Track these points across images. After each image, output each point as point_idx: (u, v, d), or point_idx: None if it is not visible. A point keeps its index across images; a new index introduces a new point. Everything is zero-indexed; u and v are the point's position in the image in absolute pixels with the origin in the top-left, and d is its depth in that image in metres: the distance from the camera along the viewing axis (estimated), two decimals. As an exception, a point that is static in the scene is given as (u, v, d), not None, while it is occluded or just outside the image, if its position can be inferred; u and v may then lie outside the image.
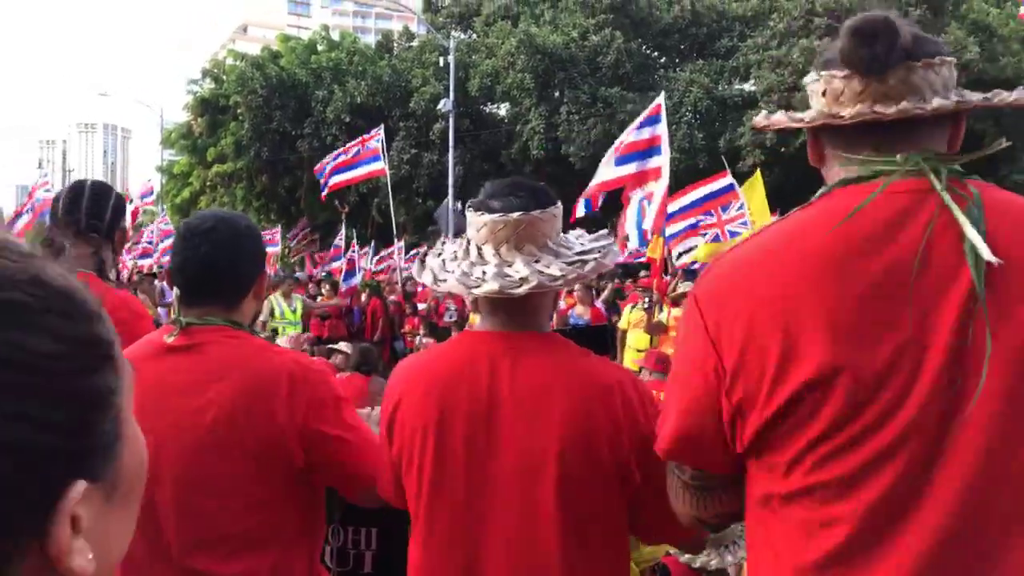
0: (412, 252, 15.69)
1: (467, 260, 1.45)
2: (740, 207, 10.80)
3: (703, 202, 11.06)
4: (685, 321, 1.14)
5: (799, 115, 1.14)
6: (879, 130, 1.07)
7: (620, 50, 22.96)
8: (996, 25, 22.98)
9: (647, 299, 8.08)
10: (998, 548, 0.95)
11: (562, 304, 9.35)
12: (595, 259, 1.45)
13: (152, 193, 15.68)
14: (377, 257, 16.09)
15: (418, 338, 10.54)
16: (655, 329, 7.36)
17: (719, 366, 1.06)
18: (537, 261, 1.41)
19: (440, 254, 1.55)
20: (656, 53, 26.09)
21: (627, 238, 8.83)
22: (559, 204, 1.50)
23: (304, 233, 21.12)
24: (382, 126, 13.90)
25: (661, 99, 8.02)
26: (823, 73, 1.10)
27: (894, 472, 0.96)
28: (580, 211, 8.94)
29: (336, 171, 13.50)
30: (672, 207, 11.47)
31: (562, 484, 1.36)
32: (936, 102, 1.04)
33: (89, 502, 0.49)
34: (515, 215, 1.42)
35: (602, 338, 1.83)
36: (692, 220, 11.20)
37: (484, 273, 1.41)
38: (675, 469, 1.20)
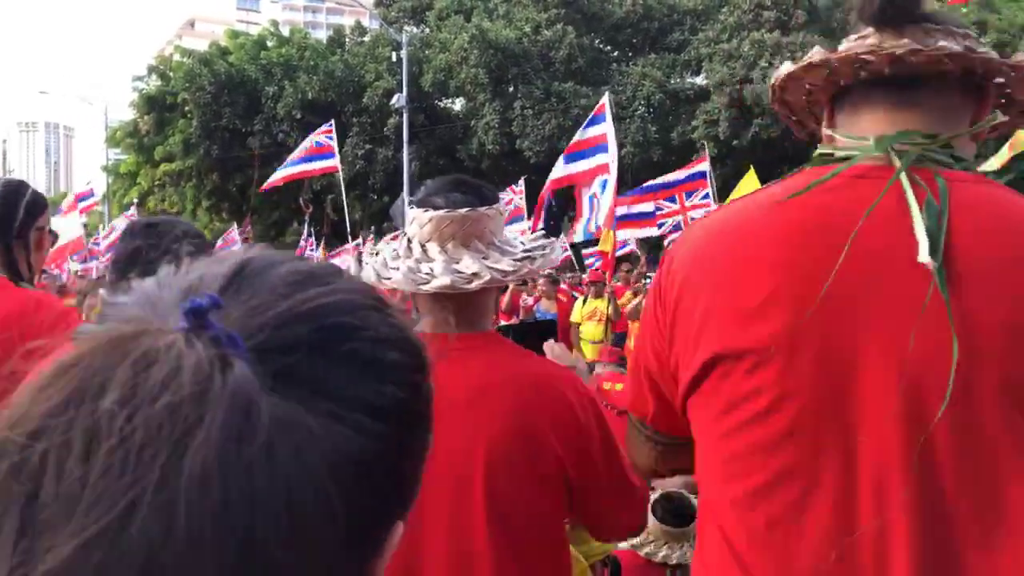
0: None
1: (411, 258, 1.42)
2: (705, 195, 10.95)
3: (672, 186, 11.22)
4: (651, 285, 1.14)
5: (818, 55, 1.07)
6: (884, 98, 1.02)
7: (573, 45, 23.05)
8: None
9: (593, 289, 8.22)
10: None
11: (529, 300, 9.38)
12: (543, 255, 1.45)
13: (91, 196, 15.22)
14: (330, 254, 15.93)
15: None
16: (635, 314, 7.50)
17: (661, 328, 1.07)
18: (485, 258, 1.40)
19: (378, 253, 1.52)
20: (608, 47, 26.26)
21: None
22: (502, 202, 1.50)
23: (248, 232, 20.70)
24: (333, 122, 13.75)
25: (606, 99, 8.22)
26: (834, 56, 1.04)
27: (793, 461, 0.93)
28: (579, 236, 9.12)
29: (288, 164, 13.39)
30: (633, 189, 11.63)
31: (496, 489, 1.33)
32: (941, 43, 0.96)
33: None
34: (462, 211, 1.40)
35: (548, 334, 1.79)
36: (650, 206, 11.30)
37: (432, 269, 1.38)
38: (636, 423, 1.21)
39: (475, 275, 1.36)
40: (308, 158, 13.07)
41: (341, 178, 13.53)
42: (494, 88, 23.12)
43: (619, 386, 4.95)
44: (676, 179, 11.12)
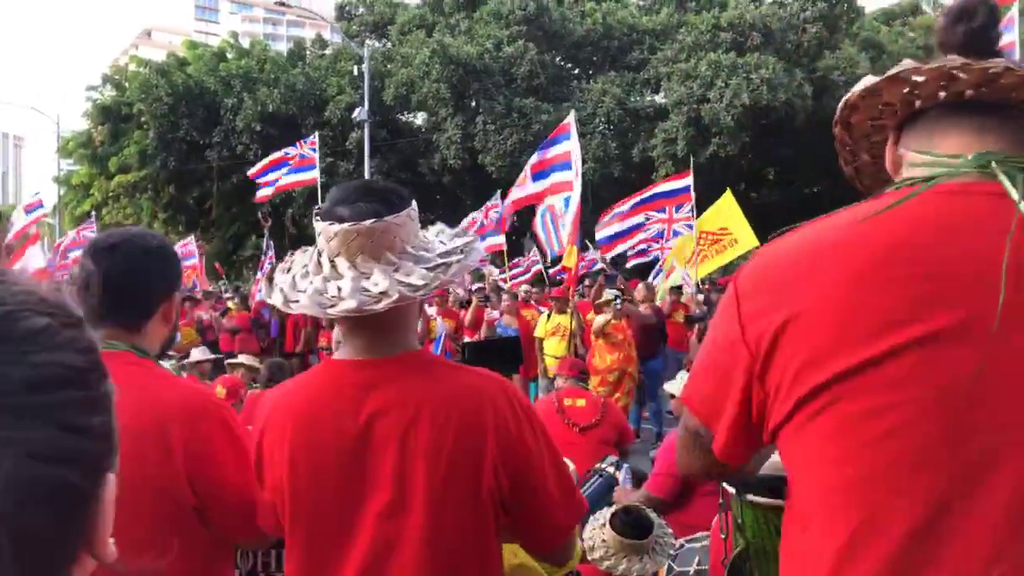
0: None
1: (320, 275, 1.33)
2: (690, 209, 11.26)
3: (659, 198, 11.51)
4: (723, 305, 1.10)
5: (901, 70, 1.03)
6: (966, 120, 1.01)
7: (534, 62, 23.24)
8: (886, 42, 24.46)
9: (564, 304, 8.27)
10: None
11: (494, 314, 9.40)
12: (457, 261, 1.36)
13: (40, 207, 14.79)
14: None
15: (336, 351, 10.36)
16: (599, 332, 7.56)
17: (754, 351, 1.02)
18: (397, 270, 1.31)
19: (290, 268, 1.42)
20: (569, 65, 26.53)
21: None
22: (414, 205, 1.39)
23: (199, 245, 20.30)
24: (316, 134, 13.75)
25: (571, 117, 8.32)
26: (924, 67, 1.02)
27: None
28: (554, 248, 9.28)
29: (273, 183, 13.38)
30: (622, 207, 11.91)
31: (441, 513, 1.31)
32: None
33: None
34: (368, 223, 1.30)
35: (513, 350, 1.81)
36: (640, 218, 11.59)
37: (340, 289, 1.30)
38: (696, 433, 1.15)
39: (383, 294, 1.28)
40: (291, 170, 13.03)
41: (319, 190, 13.44)
42: (456, 103, 23.18)
43: (580, 402, 4.97)
44: (662, 191, 11.42)
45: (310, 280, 1.35)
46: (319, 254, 1.37)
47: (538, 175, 8.53)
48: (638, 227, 11.99)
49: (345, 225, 1.31)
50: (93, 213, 19.60)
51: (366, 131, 21.73)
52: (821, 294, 0.97)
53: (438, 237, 1.43)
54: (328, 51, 28.68)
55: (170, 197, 27.77)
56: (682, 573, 2.69)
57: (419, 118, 26.46)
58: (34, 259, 10.07)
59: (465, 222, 11.26)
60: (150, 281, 1.57)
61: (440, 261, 1.35)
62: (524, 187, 8.78)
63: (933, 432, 0.90)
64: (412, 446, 1.31)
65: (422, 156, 24.76)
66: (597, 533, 2.72)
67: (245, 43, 29.81)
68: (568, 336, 7.92)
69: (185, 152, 25.96)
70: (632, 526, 2.71)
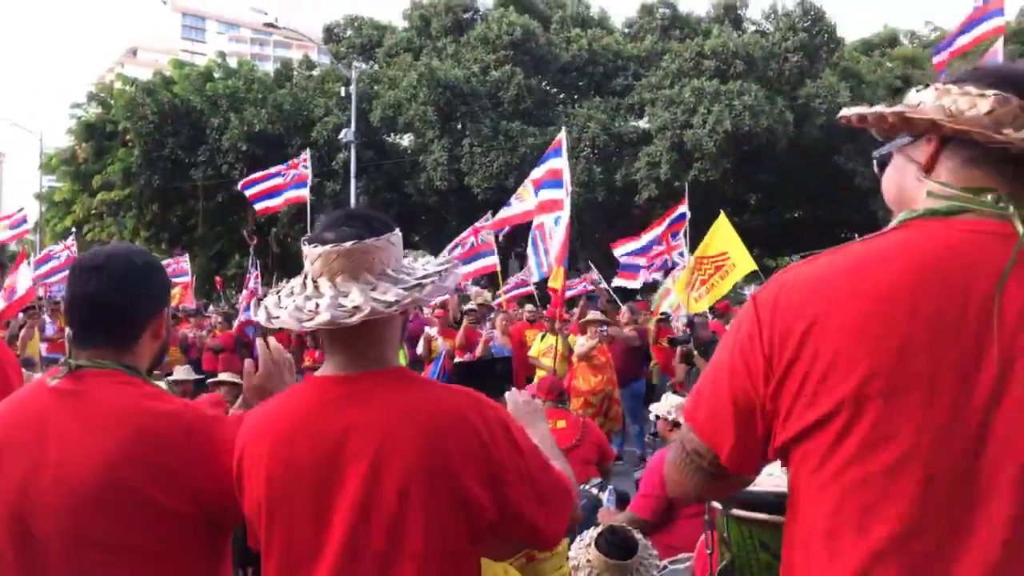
0: None
1: (303, 294, 1.41)
2: (682, 235, 11.50)
3: (663, 230, 11.69)
4: (740, 320, 1.13)
5: (962, 117, 1.05)
6: (1005, 165, 1.05)
7: (520, 86, 23.47)
8: (865, 72, 24.93)
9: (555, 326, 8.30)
10: None
11: (495, 332, 9.34)
12: (432, 282, 1.42)
13: (24, 223, 14.64)
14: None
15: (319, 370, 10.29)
16: (584, 356, 7.59)
17: (768, 370, 1.06)
18: (374, 289, 1.38)
19: (279, 291, 1.50)
20: (555, 89, 26.80)
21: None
22: (397, 231, 1.47)
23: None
24: (308, 151, 13.76)
25: (563, 134, 8.29)
26: (991, 92, 1.04)
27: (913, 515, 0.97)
28: (533, 276, 9.26)
29: (265, 196, 13.36)
30: (635, 244, 12.15)
31: (412, 528, 1.33)
32: None
33: None
34: (348, 244, 1.38)
35: (504, 370, 1.83)
36: (643, 260, 11.86)
37: (317, 305, 1.37)
38: (695, 454, 1.18)
39: (356, 308, 1.34)
40: (284, 190, 13.03)
41: (308, 209, 13.47)
42: (442, 125, 23.32)
43: (560, 423, 4.98)
44: (664, 226, 11.63)
45: (293, 298, 1.41)
46: (305, 276, 1.44)
47: (537, 189, 8.53)
48: (643, 260, 12.20)
49: (327, 247, 1.39)
50: (73, 230, 19.43)
51: (352, 152, 21.80)
52: (839, 322, 1.01)
53: (424, 265, 1.49)
54: (315, 72, 28.78)
55: (153, 215, 27.61)
56: (667, 593, 2.72)
57: (406, 140, 26.56)
58: (22, 277, 9.97)
59: (451, 246, 11.22)
60: (137, 301, 1.56)
61: (416, 282, 1.41)
62: (524, 201, 8.75)
63: (944, 462, 0.96)
64: (385, 461, 1.34)
65: (408, 177, 24.84)
66: (582, 553, 2.75)
67: (232, 63, 29.85)
68: (557, 357, 7.95)
69: (170, 170, 25.87)
70: (617, 547, 2.74)
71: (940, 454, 0.96)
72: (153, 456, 1.45)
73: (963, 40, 9.16)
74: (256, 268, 13.19)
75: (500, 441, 1.38)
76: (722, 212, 9.33)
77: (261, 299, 1.51)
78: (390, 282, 1.39)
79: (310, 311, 1.36)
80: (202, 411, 1.57)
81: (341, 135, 22.28)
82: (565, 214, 7.76)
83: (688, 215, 11.30)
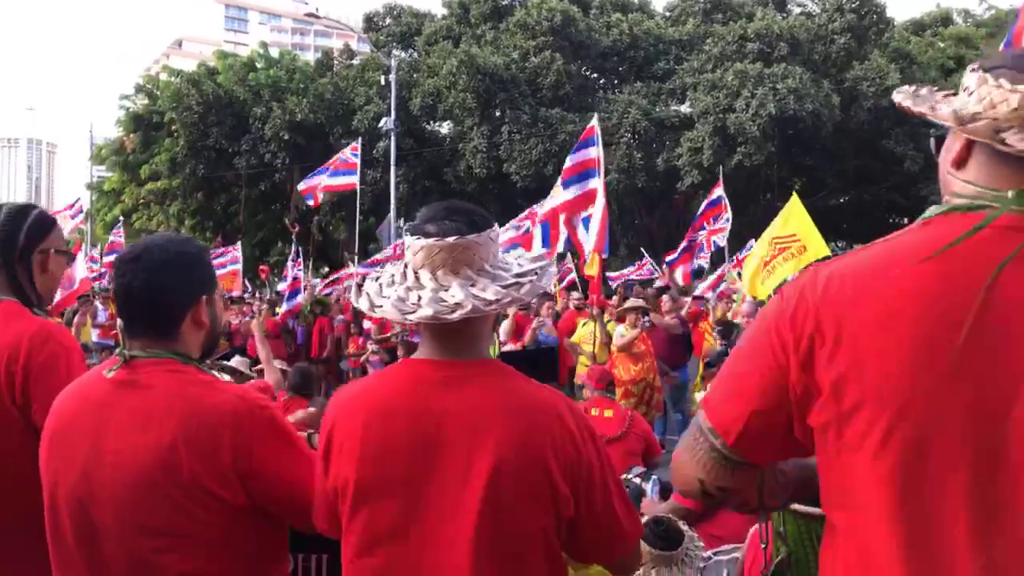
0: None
1: (404, 285, 1.44)
2: (727, 219, 11.33)
3: (698, 217, 11.60)
4: (767, 315, 1.14)
5: (978, 124, 1.05)
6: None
7: (560, 72, 23.30)
8: (915, 53, 24.21)
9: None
10: None
11: (547, 321, 9.33)
12: (531, 281, 1.45)
13: (81, 212, 15.09)
14: (331, 279, 15.94)
15: (364, 356, 10.38)
16: (626, 347, 7.60)
17: (789, 364, 1.07)
18: (473, 285, 1.41)
19: (378, 278, 1.53)
20: (595, 75, 26.57)
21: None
22: (496, 227, 1.50)
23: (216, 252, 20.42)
24: (359, 140, 14.00)
25: (595, 121, 8.23)
26: (1020, 88, 1.02)
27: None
28: (537, 246, 9.17)
29: (314, 175, 13.69)
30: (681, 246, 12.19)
31: (499, 515, 1.35)
32: None
33: None
34: (451, 239, 1.41)
35: (547, 360, 1.83)
36: (685, 242, 11.78)
37: (420, 298, 1.40)
38: (709, 434, 1.18)
39: (458, 305, 1.37)
40: (335, 172, 13.28)
41: (358, 196, 13.68)
42: (482, 113, 23.30)
43: (608, 412, 4.95)
44: (700, 209, 11.55)
45: (395, 288, 1.45)
46: (405, 266, 1.48)
47: (567, 182, 8.47)
48: (687, 251, 12.14)
49: (430, 240, 1.42)
50: (121, 219, 19.83)
51: (392, 140, 21.91)
52: (861, 320, 1.02)
53: (517, 260, 1.53)
54: (356, 61, 28.97)
55: (198, 204, 28.14)
56: (712, 585, 2.68)
57: (445, 127, 26.61)
58: (79, 267, 10.25)
59: (506, 227, 11.11)
60: (171, 290, 1.58)
61: (514, 280, 1.45)
62: (555, 196, 8.73)
63: (966, 459, 0.97)
64: (479, 448, 1.36)
65: (448, 165, 24.89)
66: None
67: (274, 53, 30.18)
68: (596, 343, 7.92)
69: (214, 160, 26.34)
70: (662, 537, 2.71)
71: (966, 449, 0.96)
72: (203, 444, 1.47)
73: None
74: (299, 256, 13.37)
75: (589, 444, 1.42)
76: (794, 193, 9.00)
77: (360, 285, 1.54)
78: (488, 278, 1.43)
79: (413, 304, 1.40)
80: (252, 398, 1.58)
81: (381, 123, 22.39)
82: (601, 202, 7.75)
83: (724, 199, 11.13)
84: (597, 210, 7.73)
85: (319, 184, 13.55)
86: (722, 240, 11.41)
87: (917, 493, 0.98)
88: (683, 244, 12.05)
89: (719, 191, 11.28)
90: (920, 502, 0.98)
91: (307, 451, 1.62)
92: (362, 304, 1.49)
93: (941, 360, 0.97)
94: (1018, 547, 0.95)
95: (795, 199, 9.30)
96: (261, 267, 24.38)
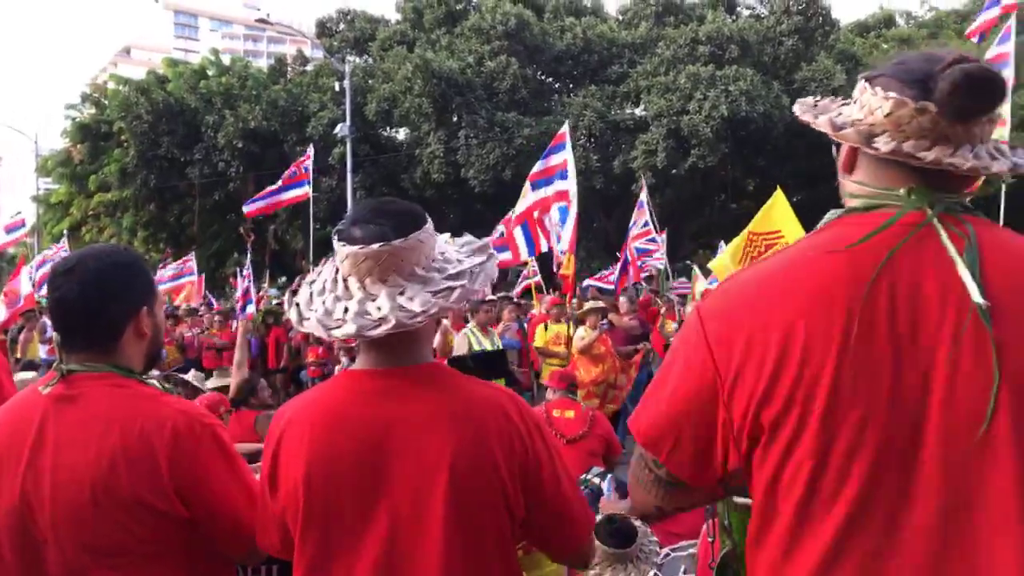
0: None
1: (333, 294, 1.40)
2: (644, 224, 11.39)
3: (628, 238, 11.70)
4: (686, 331, 1.15)
5: (848, 131, 1.10)
6: (913, 167, 1.08)
7: (516, 76, 23.36)
8: (860, 54, 24.82)
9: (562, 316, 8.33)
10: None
11: (512, 326, 9.30)
12: (461, 286, 1.39)
13: (22, 227, 14.63)
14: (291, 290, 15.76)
15: (340, 366, 10.24)
16: (587, 349, 7.62)
17: (717, 378, 1.07)
18: (402, 293, 1.36)
19: (313, 282, 1.48)
20: (550, 79, 26.69)
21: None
22: (428, 226, 1.43)
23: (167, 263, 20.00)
24: (311, 147, 13.87)
25: (565, 128, 8.53)
26: (891, 95, 1.06)
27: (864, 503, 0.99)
28: (524, 254, 9.32)
29: (261, 198, 13.50)
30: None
31: (451, 519, 1.34)
32: (999, 165, 1.06)
33: None
34: (375, 246, 1.35)
35: (499, 363, 1.85)
36: (619, 262, 11.81)
37: (346, 311, 1.36)
38: (650, 464, 1.19)
39: (383, 319, 1.33)
40: (285, 188, 13.12)
41: (311, 206, 13.52)
42: (438, 117, 23.24)
43: (569, 413, 4.98)
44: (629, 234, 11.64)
45: (323, 299, 1.40)
46: (335, 272, 1.43)
47: (537, 183, 8.73)
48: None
49: (355, 248, 1.37)
50: (65, 233, 19.28)
51: (348, 147, 21.73)
52: (778, 322, 1.04)
53: (458, 254, 1.47)
54: (309, 67, 28.66)
55: (151, 215, 27.55)
56: (670, 581, 2.70)
57: (401, 133, 26.47)
58: (23, 283, 9.97)
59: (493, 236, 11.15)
60: (109, 302, 1.53)
61: (445, 285, 1.39)
62: (525, 198, 8.94)
63: (889, 450, 0.99)
64: (428, 455, 1.35)
65: (405, 171, 24.76)
66: None
67: (225, 60, 29.72)
68: (566, 345, 8.02)
69: (166, 170, 25.81)
70: (614, 535, 2.73)
71: (885, 444, 0.98)
72: (141, 459, 1.44)
73: (989, 14, 9.07)
74: (248, 268, 13.18)
75: (537, 439, 1.42)
76: (778, 188, 9.06)
77: (295, 291, 1.49)
78: (419, 283, 1.37)
79: (338, 319, 1.35)
80: (195, 413, 1.55)
81: (336, 130, 22.20)
82: (573, 205, 7.99)
83: (645, 202, 11.32)
84: (571, 213, 8.04)
85: (270, 203, 13.40)
86: (651, 244, 11.54)
87: (823, 477, 1.00)
88: (617, 265, 12.06)
89: (642, 195, 11.49)
90: (824, 487, 1.00)
91: (246, 473, 1.59)
92: (292, 315, 1.44)
93: (855, 346, 0.99)
94: (913, 534, 0.97)
95: (779, 194, 9.34)
96: (231, 279, 23.95)
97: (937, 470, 0.97)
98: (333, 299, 1.39)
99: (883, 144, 1.06)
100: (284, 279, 25.54)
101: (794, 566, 1.02)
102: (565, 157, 8.34)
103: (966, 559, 0.95)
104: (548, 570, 1.89)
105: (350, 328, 1.33)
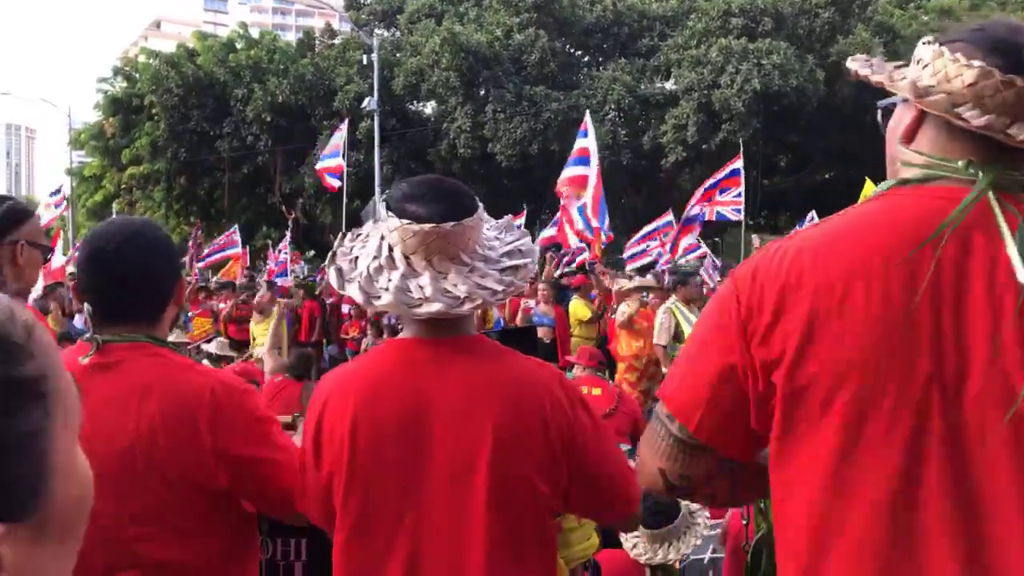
0: None
1: (397, 271, 1.39)
2: (738, 194, 11.26)
3: (706, 190, 11.55)
4: (720, 296, 1.13)
5: (936, 98, 1.03)
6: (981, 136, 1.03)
7: (544, 49, 23.11)
8: (899, 26, 24.16)
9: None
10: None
11: (530, 303, 9.33)
12: (524, 265, 1.46)
13: (64, 201, 14.90)
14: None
15: (365, 340, 10.32)
16: (627, 323, 7.61)
17: (747, 346, 1.05)
18: (471, 271, 1.40)
19: (350, 254, 1.48)
20: (579, 52, 26.38)
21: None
22: (481, 205, 1.47)
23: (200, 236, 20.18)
24: (347, 120, 14.00)
25: (587, 117, 8.66)
26: (975, 63, 1.00)
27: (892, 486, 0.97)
28: (573, 242, 9.53)
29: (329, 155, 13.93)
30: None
31: (494, 487, 1.36)
32: None
33: (14, 541, 0.48)
34: (448, 225, 1.38)
35: (528, 339, 1.85)
36: (696, 209, 11.60)
37: (422, 288, 1.37)
38: (667, 420, 1.15)
39: (467, 298, 1.37)
40: (329, 154, 13.38)
41: (345, 179, 13.69)
42: (465, 91, 23.10)
43: (596, 391, 4.98)
44: (713, 182, 11.52)
45: (388, 277, 1.40)
46: (390, 248, 1.42)
47: (570, 161, 9.05)
48: (693, 220, 11.84)
49: (426, 226, 1.37)
50: (114, 208, 19.57)
51: (376, 121, 21.70)
52: (815, 287, 1.01)
53: (498, 237, 1.51)
54: (337, 41, 28.59)
55: (181, 188, 27.84)
56: (697, 561, 2.69)
57: (428, 107, 26.38)
58: (56, 257, 10.14)
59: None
60: (162, 276, 1.59)
61: (507, 263, 1.45)
62: (566, 170, 9.26)
63: (930, 425, 0.97)
64: (474, 423, 1.37)
65: (432, 145, 24.71)
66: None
67: (254, 33, 29.76)
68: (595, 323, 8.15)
69: (196, 143, 26.01)
70: (654, 513, 2.69)
71: (921, 415, 0.96)
72: (182, 427, 1.46)
73: None
74: (287, 241, 13.34)
75: (581, 413, 1.44)
76: (867, 180, 8.88)
77: (341, 269, 1.47)
78: (481, 261, 1.42)
79: (418, 297, 1.37)
80: (230, 381, 1.58)
81: (364, 104, 22.17)
82: (591, 188, 8.17)
83: (740, 171, 11.13)
84: (590, 197, 8.18)
85: (321, 168, 13.70)
86: (733, 215, 11.39)
87: (854, 451, 0.98)
88: (685, 216, 11.86)
89: (737, 163, 11.27)
90: (856, 461, 0.98)
91: (283, 437, 1.61)
92: (352, 293, 1.43)
93: (898, 322, 0.97)
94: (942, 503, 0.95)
95: (869, 186, 9.14)
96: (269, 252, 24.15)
97: (973, 444, 0.95)
98: (401, 277, 1.39)
99: (974, 117, 0.99)
100: (312, 253, 25.71)
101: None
102: (587, 144, 8.55)
103: (999, 521, 0.94)
104: (577, 548, 1.88)
105: (436, 306, 1.35)
